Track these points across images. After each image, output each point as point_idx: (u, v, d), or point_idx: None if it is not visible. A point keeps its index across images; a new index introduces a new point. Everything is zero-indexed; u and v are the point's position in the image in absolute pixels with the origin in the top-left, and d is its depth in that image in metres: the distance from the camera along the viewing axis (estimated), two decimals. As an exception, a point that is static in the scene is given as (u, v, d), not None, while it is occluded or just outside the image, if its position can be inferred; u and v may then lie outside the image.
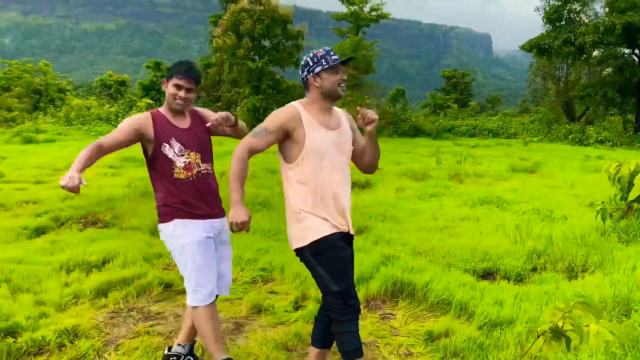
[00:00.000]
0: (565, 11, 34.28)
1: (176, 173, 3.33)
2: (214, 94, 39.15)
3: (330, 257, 3.03)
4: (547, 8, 34.57)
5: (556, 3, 34.31)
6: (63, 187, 2.92)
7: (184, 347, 3.54)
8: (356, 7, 39.60)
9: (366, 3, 39.56)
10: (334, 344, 3.30)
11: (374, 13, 40.40)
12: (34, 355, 3.74)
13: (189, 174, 3.35)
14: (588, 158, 18.64)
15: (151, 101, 39.62)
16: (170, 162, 3.33)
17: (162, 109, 3.46)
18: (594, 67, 37.31)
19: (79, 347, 3.83)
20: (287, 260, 5.54)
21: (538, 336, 2.82)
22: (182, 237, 3.30)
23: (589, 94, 33.91)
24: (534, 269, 5.74)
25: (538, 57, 37.16)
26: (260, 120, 3.55)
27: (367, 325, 4.36)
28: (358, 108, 3.13)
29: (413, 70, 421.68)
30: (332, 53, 3.11)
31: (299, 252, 3.11)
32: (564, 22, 34.46)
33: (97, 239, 6.63)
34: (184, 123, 3.45)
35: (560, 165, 16.24)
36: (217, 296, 3.44)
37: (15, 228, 7.16)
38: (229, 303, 4.87)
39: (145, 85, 49.17)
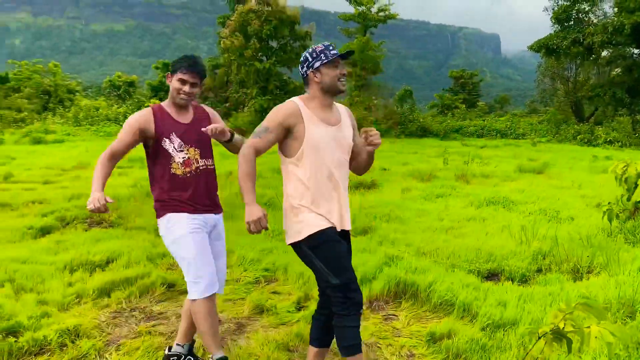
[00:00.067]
0: (574, 11, 34.11)
1: (173, 168, 3.34)
2: (222, 95, 39.20)
3: (327, 250, 3.01)
4: (556, 8, 34.41)
5: (565, 3, 34.16)
6: (92, 211, 3.09)
7: (183, 346, 3.54)
8: (364, 7, 39.56)
9: (374, 3, 39.51)
10: (333, 344, 3.28)
11: (381, 13, 40.34)
12: (35, 355, 3.75)
13: (187, 169, 3.36)
14: (596, 158, 18.52)
15: (159, 102, 39.75)
16: (169, 157, 3.34)
17: (165, 103, 3.47)
18: (602, 67, 37.07)
19: (80, 347, 3.83)
20: (291, 261, 5.53)
21: (539, 338, 2.80)
22: (175, 229, 3.31)
23: (597, 94, 33.70)
24: (539, 270, 5.70)
25: (546, 57, 36.99)
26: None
27: (370, 326, 4.33)
28: (365, 128, 3.13)
29: (421, 71, 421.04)
30: (331, 48, 3.11)
31: (296, 246, 3.09)
32: (572, 22, 34.29)
33: (102, 239, 6.66)
34: (186, 118, 3.46)
35: (568, 166, 16.14)
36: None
37: (21, 228, 7.19)
38: (232, 303, 4.87)
39: (154, 86, 49.39)
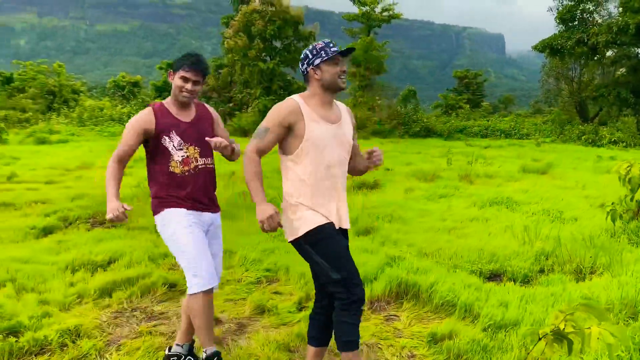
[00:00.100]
0: (579, 11, 34.01)
1: (172, 167, 3.34)
2: (225, 95, 39.28)
3: (327, 246, 3.01)
4: (560, 8, 34.32)
5: (569, 3, 34.06)
6: (111, 221, 3.15)
7: (182, 346, 3.53)
8: (368, 7, 39.55)
9: (377, 4, 39.50)
10: (332, 343, 3.27)
11: (385, 13, 40.34)
12: (35, 355, 3.74)
13: (185, 168, 3.36)
14: (601, 159, 18.45)
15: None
16: (168, 155, 3.34)
17: (167, 101, 3.47)
18: (607, 67, 36.91)
19: (81, 347, 3.83)
20: (292, 261, 5.52)
21: (539, 339, 2.78)
22: (172, 225, 3.32)
23: (602, 94, 33.57)
24: (542, 271, 5.67)
25: (551, 57, 36.88)
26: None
27: (371, 326, 4.32)
28: (370, 149, 3.21)
29: (425, 71, 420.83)
30: (331, 45, 3.10)
31: (296, 243, 3.09)
32: (577, 22, 34.19)
33: (104, 239, 6.66)
34: (188, 116, 3.45)
35: (572, 166, 16.09)
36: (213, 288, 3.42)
37: (23, 228, 7.20)
38: (233, 303, 4.86)
39: (158, 86, 49.53)
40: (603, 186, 11.27)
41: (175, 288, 5.15)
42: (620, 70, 35.73)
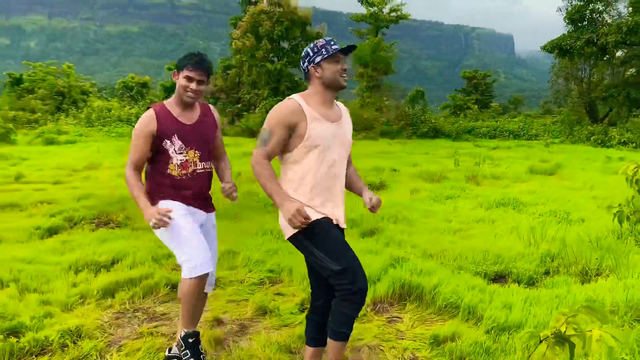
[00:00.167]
0: (588, 11, 33.81)
1: (170, 169, 3.33)
2: (233, 96, 39.30)
3: (325, 238, 3.00)
4: (570, 8, 34.13)
5: (578, 3, 33.88)
6: (154, 226, 3.13)
7: (182, 348, 3.51)
8: (375, 8, 39.51)
9: (385, 4, 39.45)
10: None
11: (393, 14, 40.31)
12: (36, 356, 3.73)
13: (183, 172, 3.34)
14: (610, 160, 18.31)
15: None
16: (168, 158, 3.33)
17: (170, 102, 3.42)
18: (617, 67, 36.70)
19: (82, 348, 3.82)
20: (296, 262, 5.49)
21: (540, 341, 2.74)
22: None
23: (611, 94, 33.38)
24: (547, 272, 5.63)
25: (560, 57, 36.69)
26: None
27: (373, 328, 4.29)
28: (368, 200, 3.28)
29: (434, 71, 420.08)
30: (332, 43, 3.09)
31: (294, 239, 3.08)
32: (586, 23, 34.00)
33: (108, 239, 6.66)
34: (191, 117, 3.42)
35: (581, 167, 15.99)
36: (209, 275, 3.42)
37: (28, 228, 7.22)
38: (235, 304, 4.84)
39: (167, 87, 49.68)
40: (611, 187, 11.18)
41: (177, 289, 5.13)
42: (630, 70, 35.52)
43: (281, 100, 3.17)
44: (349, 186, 3.42)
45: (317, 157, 3.04)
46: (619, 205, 6.96)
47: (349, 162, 3.42)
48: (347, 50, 3.08)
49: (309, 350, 3.32)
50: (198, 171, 3.39)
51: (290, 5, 35.56)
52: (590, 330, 2.56)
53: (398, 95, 45.48)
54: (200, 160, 3.40)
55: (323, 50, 3.05)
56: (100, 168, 14.49)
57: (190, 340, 3.30)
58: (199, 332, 3.35)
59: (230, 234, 6.69)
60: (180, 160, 3.33)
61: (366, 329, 4.27)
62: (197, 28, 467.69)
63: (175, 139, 3.32)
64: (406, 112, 35.39)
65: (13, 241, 6.74)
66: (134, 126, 3.38)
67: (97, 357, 3.75)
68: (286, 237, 3.12)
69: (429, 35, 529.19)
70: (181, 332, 3.33)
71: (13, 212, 8.50)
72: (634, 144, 26.87)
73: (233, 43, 37.35)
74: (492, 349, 3.79)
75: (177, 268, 5.69)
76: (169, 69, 51.83)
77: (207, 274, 3.24)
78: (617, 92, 32.85)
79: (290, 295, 5.06)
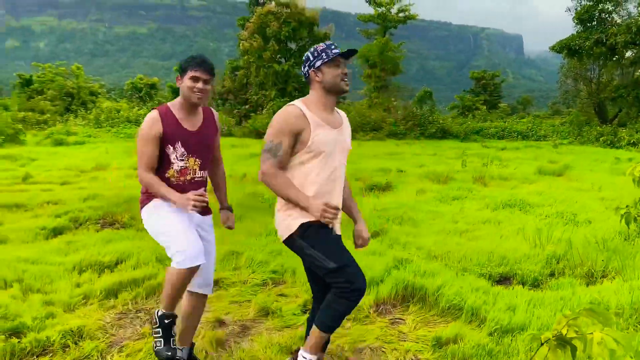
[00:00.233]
0: (597, 11, 33.59)
1: (168, 174, 3.31)
2: (241, 97, 39.37)
3: (319, 237, 2.99)
4: (579, 8, 33.93)
5: (587, 3, 33.66)
6: (195, 208, 3.12)
7: (182, 350, 3.50)
8: (383, 8, 39.47)
9: (393, 4, 39.40)
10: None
11: (401, 14, 40.25)
12: (37, 356, 3.74)
13: (182, 178, 3.32)
14: (619, 161, 18.18)
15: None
16: (169, 163, 3.30)
17: (174, 106, 3.37)
18: (626, 68, 36.38)
19: (83, 348, 3.82)
20: (299, 263, 5.42)
21: (541, 344, 2.71)
22: (157, 211, 3.27)
23: (621, 95, 33.15)
24: (552, 274, 5.59)
25: (569, 58, 36.47)
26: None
27: (376, 329, 4.27)
28: (359, 233, 3.32)
29: (443, 72, 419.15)
30: (332, 47, 3.07)
31: (289, 241, 3.08)
32: (595, 23, 33.77)
33: (113, 240, 6.67)
34: (194, 123, 3.39)
35: (589, 168, 15.90)
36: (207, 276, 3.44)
37: (34, 228, 7.25)
38: (238, 305, 4.84)
39: (175, 88, 49.67)
40: (620, 188, 11.09)
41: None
42: (640, 70, 35.26)
43: (288, 101, 3.15)
44: (344, 209, 3.39)
45: (320, 163, 3.02)
46: (627, 206, 6.90)
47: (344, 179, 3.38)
48: (348, 55, 3.06)
49: None
50: (196, 179, 3.38)
51: (297, 6, 35.59)
52: (592, 333, 2.53)
53: (406, 96, 45.40)
54: (200, 169, 3.39)
55: (323, 54, 3.03)
56: (108, 169, 14.54)
57: (166, 321, 3.28)
58: (176, 315, 3.33)
59: (234, 235, 6.66)
60: (181, 166, 3.31)
61: (368, 330, 4.26)
62: (206, 30, 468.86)
63: (178, 145, 3.30)
64: (414, 113, 35.27)
65: (18, 241, 6.77)
66: (140, 135, 3.34)
67: (98, 358, 3.76)
68: (282, 240, 3.11)
69: (437, 36, 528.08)
70: (159, 310, 3.31)
71: (19, 213, 8.54)
72: (643, 145, 26.67)
73: (241, 44, 37.43)
74: (495, 351, 3.76)
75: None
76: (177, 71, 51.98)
77: (197, 266, 3.19)
78: (626, 92, 32.61)
79: (293, 296, 5.04)
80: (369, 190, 10.87)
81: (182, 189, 3.31)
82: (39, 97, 44.77)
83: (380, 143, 27.29)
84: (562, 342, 2.67)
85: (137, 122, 35.17)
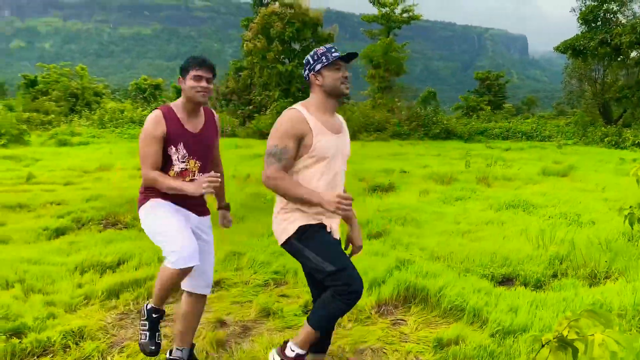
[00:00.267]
0: (602, 11, 33.50)
1: (169, 175, 3.30)
2: (245, 97, 39.37)
3: (318, 240, 2.98)
4: (583, 9, 33.85)
5: (592, 3, 33.57)
6: (207, 189, 3.13)
7: (182, 350, 3.49)
8: (387, 9, 39.44)
9: (397, 5, 39.37)
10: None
11: (405, 15, 40.22)
12: (37, 357, 3.73)
13: (181, 179, 3.31)
14: (623, 161, 18.10)
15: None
16: (170, 164, 3.30)
17: (177, 107, 3.36)
18: (631, 68, 36.27)
19: (84, 349, 3.82)
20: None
21: (542, 345, 2.70)
22: (154, 211, 3.27)
23: (626, 95, 33.07)
24: (555, 275, 5.56)
25: (573, 58, 36.38)
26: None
27: (377, 330, 4.26)
28: (352, 241, 3.33)
29: (447, 72, 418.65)
30: (333, 50, 3.05)
31: (287, 244, 3.07)
32: (600, 23, 33.69)
33: (115, 240, 6.68)
34: (196, 125, 3.38)
35: (594, 169, 15.84)
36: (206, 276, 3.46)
37: (36, 229, 7.26)
38: (239, 306, 4.83)
39: (179, 89, 49.71)
40: (624, 189, 11.04)
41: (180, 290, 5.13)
42: (645, 71, 35.13)
43: (292, 102, 3.14)
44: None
45: (323, 168, 3.02)
46: (630, 207, 6.86)
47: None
48: (348, 58, 3.05)
49: (309, 356, 3.28)
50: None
51: (301, 7, 35.59)
52: (593, 335, 2.51)
53: (410, 97, 45.33)
54: (199, 171, 3.38)
55: (323, 57, 3.02)
56: (112, 169, 14.57)
57: (154, 316, 3.33)
58: (164, 311, 3.36)
59: (237, 236, 6.68)
60: (181, 168, 3.31)
61: (370, 331, 4.24)
62: (210, 30, 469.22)
63: (180, 147, 3.29)
64: (418, 113, 35.24)
65: (20, 242, 6.78)
66: (144, 135, 3.31)
67: (98, 358, 3.75)
68: (280, 243, 3.10)
69: (441, 36, 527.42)
70: (148, 304, 3.33)
71: (22, 213, 8.56)
72: (648, 146, 26.58)
73: (244, 45, 37.44)
74: (497, 353, 3.75)
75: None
76: (181, 71, 52.01)
77: (190, 268, 3.17)
78: (631, 93, 32.53)
79: (294, 297, 5.03)
80: (372, 191, 10.85)
81: None
82: (44, 97, 44.91)
83: (384, 143, 27.28)
84: (564, 343, 2.66)
85: (141, 123, 35.02)
